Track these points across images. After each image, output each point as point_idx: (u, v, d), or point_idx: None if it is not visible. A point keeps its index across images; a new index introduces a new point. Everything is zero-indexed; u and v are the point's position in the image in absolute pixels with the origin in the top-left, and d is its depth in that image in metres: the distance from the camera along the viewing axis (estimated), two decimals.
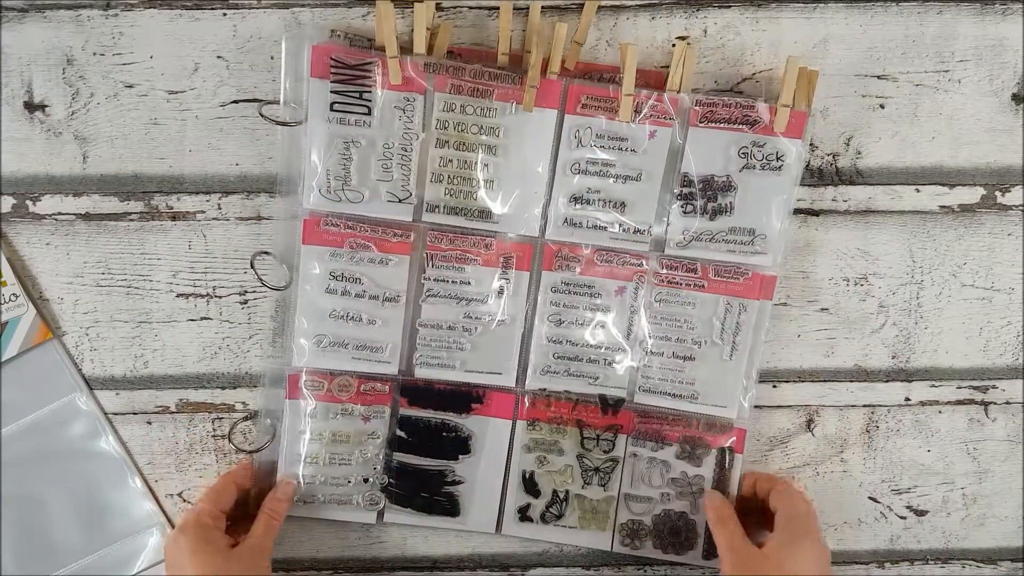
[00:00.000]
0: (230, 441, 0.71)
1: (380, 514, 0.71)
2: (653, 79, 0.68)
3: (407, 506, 0.71)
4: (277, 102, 0.67)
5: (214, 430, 0.71)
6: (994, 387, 0.74)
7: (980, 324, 0.73)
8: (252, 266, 0.69)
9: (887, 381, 0.74)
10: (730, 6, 0.68)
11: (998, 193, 0.71)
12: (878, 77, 0.69)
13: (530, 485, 0.71)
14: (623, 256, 0.68)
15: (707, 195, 0.67)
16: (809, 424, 0.74)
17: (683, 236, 0.68)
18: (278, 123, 0.66)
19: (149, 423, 0.72)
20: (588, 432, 0.70)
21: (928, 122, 0.70)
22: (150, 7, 0.67)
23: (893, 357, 0.73)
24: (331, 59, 0.64)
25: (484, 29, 0.67)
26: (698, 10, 0.68)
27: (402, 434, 0.70)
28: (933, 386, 0.74)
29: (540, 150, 0.66)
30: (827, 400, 0.74)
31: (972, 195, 0.71)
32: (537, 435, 0.70)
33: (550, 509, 0.71)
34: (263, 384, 0.71)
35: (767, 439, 0.74)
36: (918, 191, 0.71)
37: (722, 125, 0.66)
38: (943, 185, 0.71)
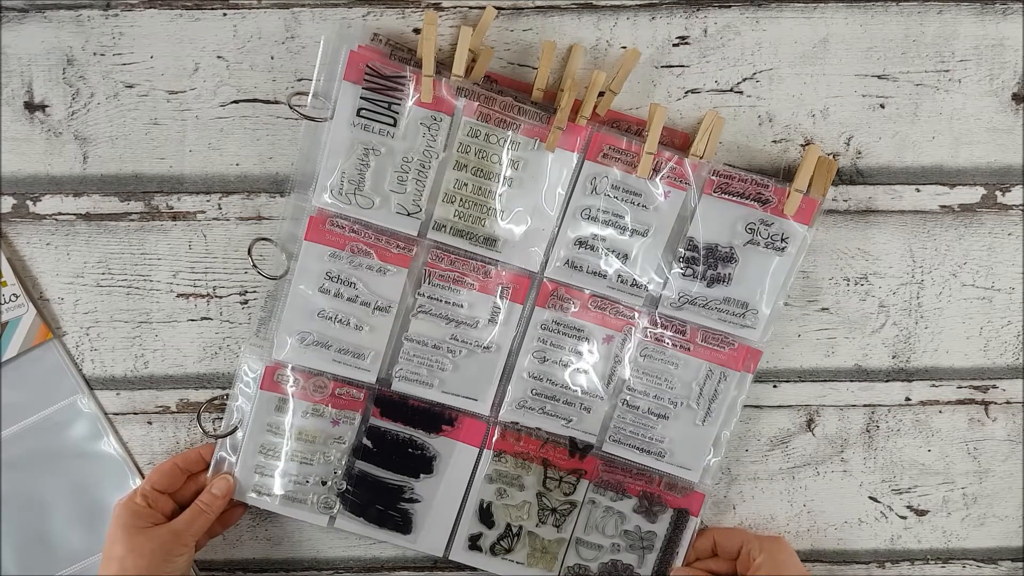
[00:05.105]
0: (199, 424, 0.71)
1: (332, 519, 0.71)
2: (679, 140, 0.68)
3: (360, 515, 0.70)
4: (279, 102, 0.68)
5: (214, 430, 0.71)
6: (994, 387, 0.74)
7: (980, 324, 0.73)
8: (249, 253, 0.69)
9: (887, 381, 0.74)
10: (730, 6, 0.68)
11: (998, 193, 0.71)
12: (878, 77, 0.69)
13: (485, 515, 0.71)
14: (617, 306, 0.69)
15: (708, 262, 0.67)
16: (809, 424, 0.74)
17: (678, 297, 0.68)
18: (304, 116, 0.66)
19: (150, 423, 0.72)
20: (552, 472, 0.70)
21: (928, 122, 0.70)
22: (150, 7, 0.67)
23: (893, 357, 0.73)
24: (367, 67, 0.64)
25: (527, 57, 0.68)
26: (698, 10, 0.68)
27: (368, 443, 0.70)
28: (933, 386, 0.74)
29: (554, 190, 0.67)
30: (827, 400, 0.74)
31: (972, 195, 0.71)
32: (501, 467, 0.70)
33: (501, 542, 0.71)
34: (238, 371, 0.70)
35: (767, 439, 0.74)
36: (918, 191, 0.71)
37: (735, 198, 0.67)
38: (943, 185, 0.71)
